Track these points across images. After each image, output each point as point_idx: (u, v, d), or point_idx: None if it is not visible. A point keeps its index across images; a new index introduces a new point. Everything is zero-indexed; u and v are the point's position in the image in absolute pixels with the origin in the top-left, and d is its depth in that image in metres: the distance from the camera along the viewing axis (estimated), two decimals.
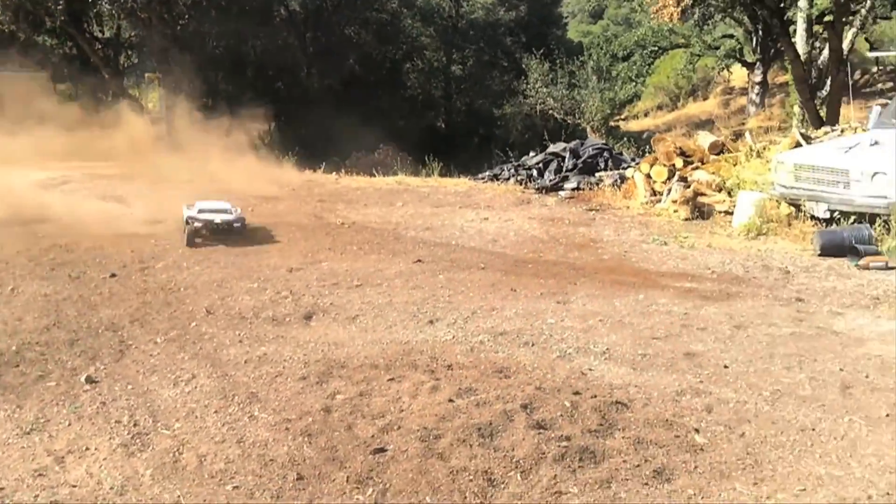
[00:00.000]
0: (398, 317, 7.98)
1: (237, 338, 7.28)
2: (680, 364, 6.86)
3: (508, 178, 15.80)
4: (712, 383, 6.46)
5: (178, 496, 4.78)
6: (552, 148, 16.35)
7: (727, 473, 5.13)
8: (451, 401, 6.01)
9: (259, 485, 4.95)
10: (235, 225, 10.77)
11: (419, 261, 10.16)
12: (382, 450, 5.35)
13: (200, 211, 10.80)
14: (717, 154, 14.15)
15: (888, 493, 4.79)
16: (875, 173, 10.38)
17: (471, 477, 5.04)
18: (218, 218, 10.66)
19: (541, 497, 4.88)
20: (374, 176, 16.51)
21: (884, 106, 12.41)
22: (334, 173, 16.57)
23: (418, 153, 19.13)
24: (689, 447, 5.46)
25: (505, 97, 32.25)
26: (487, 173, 16.67)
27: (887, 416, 5.82)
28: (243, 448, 5.35)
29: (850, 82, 25.83)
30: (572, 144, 16.13)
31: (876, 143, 11.15)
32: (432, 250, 10.76)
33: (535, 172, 15.72)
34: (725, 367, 6.80)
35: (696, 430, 5.68)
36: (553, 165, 15.68)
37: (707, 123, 28.60)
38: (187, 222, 10.64)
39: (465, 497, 4.87)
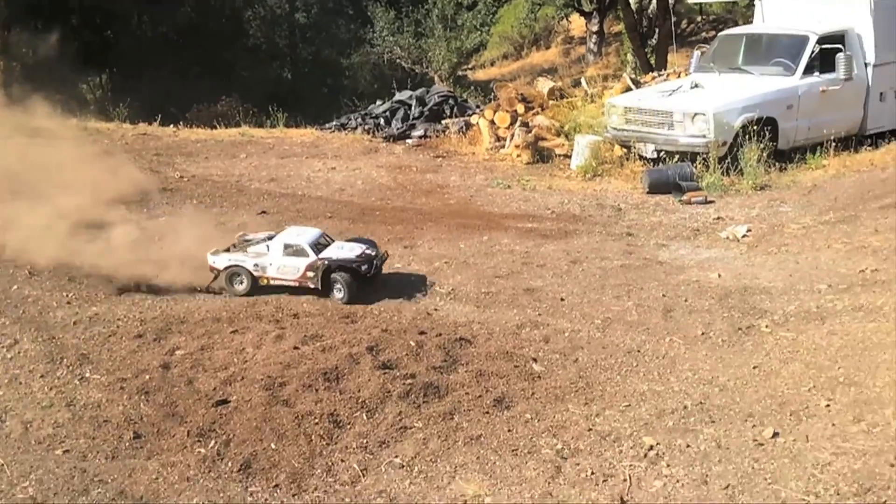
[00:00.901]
0: None
1: (64, 299, 6.85)
2: (520, 299, 7.16)
3: (356, 128, 15.60)
4: (550, 315, 6.79)
5: (2, 464, 4.50)
6: (399, 96, 16.27)
7: (561, 396, 5.46)
8: (296, 348, 5.98)
9: (92, 447, 4.75)
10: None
11: (263, 212, 9.92)
12: (225, 401, 5.27)
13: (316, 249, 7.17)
14: (556, 100, 14.63)
15: (701, 402, 5.25)
16: (695, 114, 11.11)
17: (316, 420, 5.07)
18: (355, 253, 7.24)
19: (386, 433, 4.99)
20: (216, 128, 15.82)
21: (703, 51, 13.23)
22: (172, 126, 15.72)
23: (264, 105, 18.44)
24: (527, 376, 5.75)
25: (352, 46, 31.62)
26: (334, 123, 16.39)
27: (702, 334, 6.35)
28: (74, 411, 5.10)
29: (677, 31, 27.35)
30: (418, 92, 16.13)
31: (696, 86, 11.91)
32: (277, 201, 10.52)
33: (382, 121, 15.62)
34: (562, 299, 7.16)
35: (535, 360, 5.98)
36: (400, 114, 15.63)
37: (550, 72, 29.38)
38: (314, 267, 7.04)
39: (311, 440, 4.90)
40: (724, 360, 5.89)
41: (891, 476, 4.19)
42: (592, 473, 4.52)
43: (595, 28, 28.32)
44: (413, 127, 14.97)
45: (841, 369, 5.47)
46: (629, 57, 22.96)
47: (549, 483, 4.47)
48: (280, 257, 7.15)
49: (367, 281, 7.13)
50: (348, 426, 5.06)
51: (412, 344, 6.07)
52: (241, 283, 7.19)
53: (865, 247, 7.82)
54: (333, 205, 10.49)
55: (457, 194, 11.23)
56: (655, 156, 11.61)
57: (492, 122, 13.97)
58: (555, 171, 12.49)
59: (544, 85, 14.96)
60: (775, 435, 4.75)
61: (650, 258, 8.35)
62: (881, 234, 8.00)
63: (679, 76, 14.17)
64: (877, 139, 11.69)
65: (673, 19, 26.05)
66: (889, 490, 4.07)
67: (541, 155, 12.99)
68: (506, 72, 34.39)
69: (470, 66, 33.03)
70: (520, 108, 14.13)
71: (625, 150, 12.11)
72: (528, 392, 5.52)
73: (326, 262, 7.02)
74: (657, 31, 21.61)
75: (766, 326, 6.42)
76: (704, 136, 11.01)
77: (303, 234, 7.40)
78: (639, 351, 6.10)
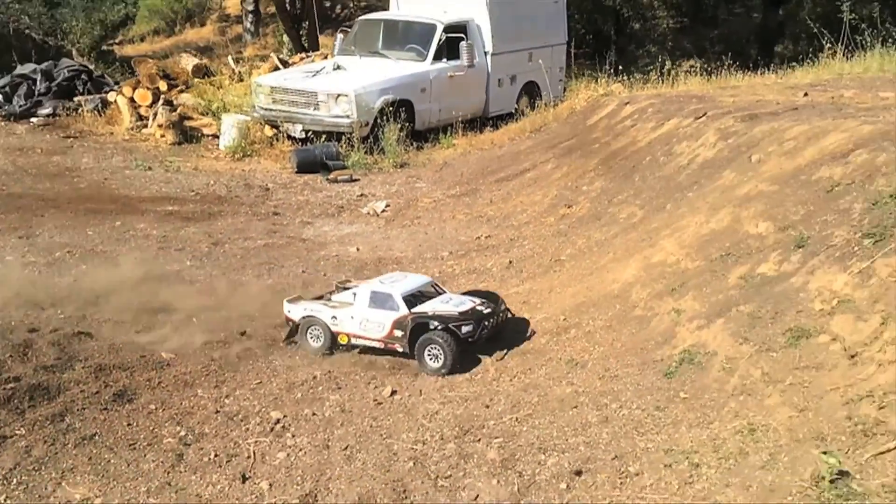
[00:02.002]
0: None
1: None
2: (152, 285, 6.74)
3: None
4: (184, 298, 6.49)
5: None
6: (20, 69, 14.36)
7: (191, 382, 5.27)
8: None
9: None
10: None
11: None
12: None
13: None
14: (202, 78, 14.07)
15: (329, 371, 5.42)
16: (339, 95, 11.43)
17: None
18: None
19: None
20: None
21: (345, 34, 13.65)
22: None
23: None
24: (154, 365, 5.45)
25: None
26: None
27: None
28: None
29: (332, 14, 27.89)
30: (44, 66, 14.37)
31: (339, 67, 12.26)
32: None
33: (1, 98, 13.69)
34: (198, 282, 6.92)
35: (163, 348, 5.69)
36: (23, 89, 13.80)
37: (207, 50, 28.20)
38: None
39: None
40: None
41: (485, 416, 4.70)
42: (216, 455, 4.43)
43: (251, 7, 27.75)
44: (39, 104, 13.36)
45: None
46: (286, 38, 22.89)
47: (168, 473, 4.28)
48: (364, 309, 5.67)
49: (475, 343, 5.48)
50: None
51: (19, 343, 5.42)
52: (318, 339, 5.80)
53: (482, 216, 8.72)
54: None
55: (89, 177, 10.27)
56: (304, 136, 11.74)
57: (132, 99, 13.01)
58: (202, 151, 12.03)
59: (188, 62, 14.28)
60: (393, 393, 5.08)
61: (294, 236, 8.43)
62: (495, 205, 8.98)
63: (327, 58, 14.46)
64: (497, 121, 13.07)
65: (328, 4, 26.51)
66: (484, 429, 4.56)
67: (187, 135, 12.42)
68: (157, 48, 32.24)
69: (117, 40, 30.44)
70: (162, 85, 13.35)
71: (274, 129, 12.06)
72: (154, 382, 5.24)
73: (418, 318, 5.46)
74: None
75: None
76: (348, 117, 11.37)
77: (400, 281, 5.83)
78: (273, 328, 6.12)
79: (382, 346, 5.61)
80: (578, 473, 4.03)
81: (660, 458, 3.99)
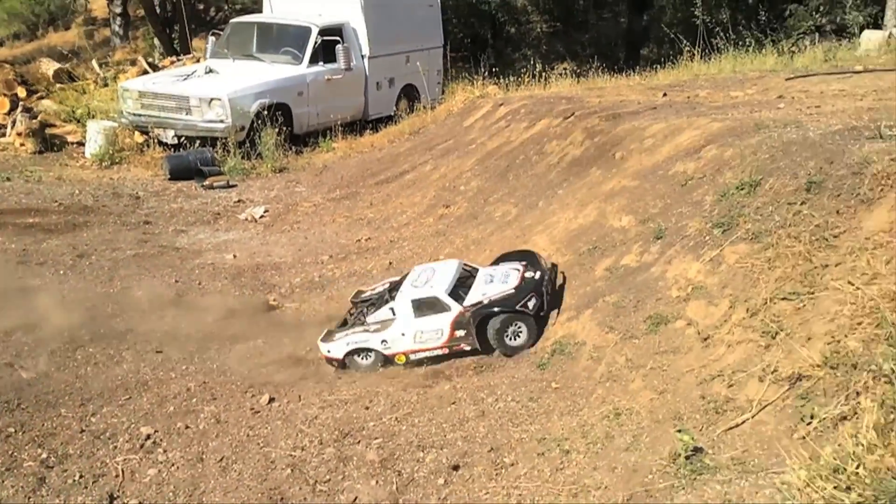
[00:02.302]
0: None
1: None
2: (15, 301, 6.37)
3: None
4: (47, 313, 6.16)
5: None
6: None
7: (54, 402, 4.99)
8: None
9: None
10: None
11: None
12: None
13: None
14: (65, 83, 13.36)
15: (204, 382, 5.27)
16: (212, 99, 11.12)
17: None
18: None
19: None
20: None
21: (218, 37, 13.29)
22: None
23: None
24: (13, 386, 5.13)
25: None
26: None
27: (213, 321, 6.32)
28: None
29: (206, 17, 27.09)
30: None
31: (211, 71, 11.93)
32: None
33: None
34: (63, 297, 6.58)
35: (23, 368, 5.37)
36: None
37: (73, 55, 26.81)
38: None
39: None
40: (234, 335, 6.01)
41: (365, 418, 4.70)
42: (81, 476, 4.23)
43: (118, 10, 26.51)
44: None
45: (335, 323, 5.99)
46: (156, 41, 22.05)
47: (29, 498, 4.05)
48: (412, 321, 5.19)
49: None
50: None
51: None
52: (368, 357, 5.34)
53: (362, 219, 8.71)
54: None
55: None
56: (176, 141, 11.34)
57: None
58: (66, 160, 11.40)
59: (49, 67, 13.53)
60: (272, 400, 5.00)
61: (167, 245, 8.14)
62: (375, 207, 8.98)
63: (199, 62, 14.03)
64: (377, 124, 13.07)
65: (200, 6, 25.71)
66: (364, 431, 4.56)
67: (49, 143, 11.73)
68: (18, 53, 30.41)
69: None
70: (21, 91, 12.58)
71: (144, 136, 11.59)
72: (13, 404, 4.93)
73: (479, 311, 5.08)
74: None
75: (274, 300, 6.74)
76: (222, 121, 11.08)
77: (433, 277, 5.35)
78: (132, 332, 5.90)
79: (447, 351, 5.21)
80: (456, 468, 4.10)
81: (533, 447, 4.12)
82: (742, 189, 4.84)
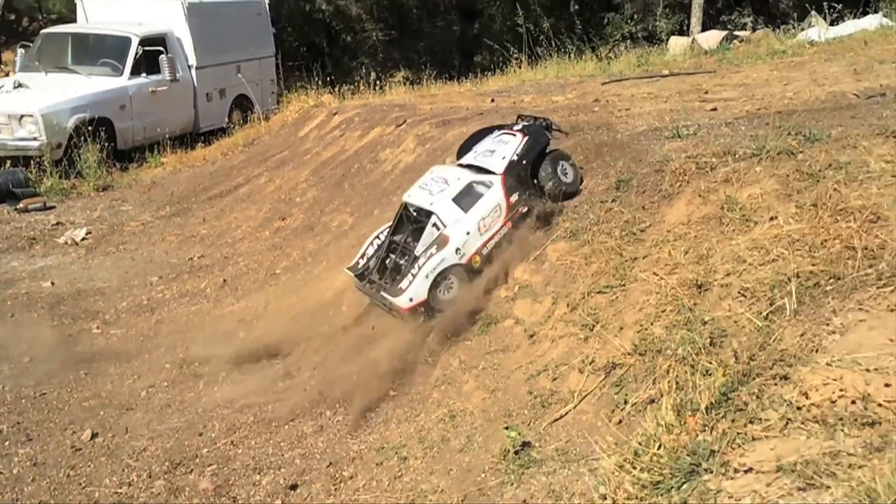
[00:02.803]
0: None
1: None
2: None
3: None
4: None
5: None
6: None
7: None
8: None
9: None
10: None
11: None
12: None
13: None
14: None
15: (18, 423, 4.87)
16: (22, 116, 10.30)
17: None
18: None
19: None
20: None
21: (27, 49, 12.34)
22: None
23: None
24: None
25: None
26: None
27: (29, 360, 5.86)
28: None
29: (18, 28, 25.18)
30: None
31: (21, 85, 11.06)
32: None
33: None
34: None
35: None
36: None
37: None
38: None
39: None
40: (51, 370, 5.58)
41: (199, 445, 4.51)
42: None
43: None
44: None
45: (164, 348, 5.72)
46: None
47: None
48: (465, 217, 4.80)
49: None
50: None
51: None
52: (450, 289, 4.74)
53: (195, 236, 8.37)
54: None
55: None
56: None
57: None
58: None
59: None
60: (94, 436, 4.68)
61: None
62: (208, 223, 8.66)
63: (8, 75, 12.98)
64: (209, 136, 12.62)
65: (12, 17, 23.80)
66: (197, 458, 4.38)
67: None
68: None
69: None
70: None
71: None
72: None
73: (520, 155, 5.01)
74: None
75: (97, 327, 6.33)
76: (36, 139, 10.30)
77: (439, 182, 5.05)
78: None
79: (510, 225, 4.89)
80: (294, 487, 4.02)
81: (372, 457, 4.12)
82: None
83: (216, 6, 13.28)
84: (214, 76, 12.78)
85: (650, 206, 4.43)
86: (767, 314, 3.03)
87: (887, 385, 2.23)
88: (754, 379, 2.60)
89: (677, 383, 2.89)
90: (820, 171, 3.79)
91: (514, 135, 5.21)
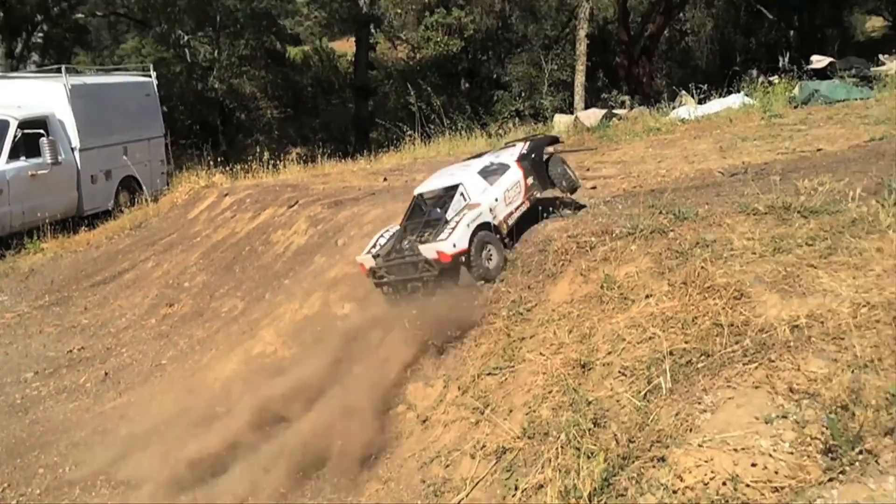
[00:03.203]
0: None
1: None
2: None
3: None
4: None
5: None
6: None
7: None
8: None
9: None
10: None
11: None
12: None
13: None
14: None
15: None
16: None
17: None
18: None
19: None
20: None
21: None
22: None
23: None
24: None
25: None
26: None
27: None
28: None
29: None
30: None
31: None
32: None
33: None
34: None
35: None
36: None
37: None
38: None
39: None
40: None
41: None
42: None
43: None
44: None
45: (38, 451, 5.35)
46: None
47: None
48: (491, 188, 5.11)
49: None
50: None
51: None
52: (492, 257, 4.86)
53: (76, 326, 7.95)
54: None
55: None
56: None
57: None
58: None
59: None
60: None
61: None
62: (90, 312, 8.26)
63: None
64: (94, 219, 12.14)
65: None
66: None
67: None
68: None
69: None
70: None
71: None
72: None
73: (528, 150, 5.50)
74: None
75: None
76: None
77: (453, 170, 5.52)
78: None
79: (528, 204, 5.28)
80: None
81: None
82: None
83: (101, 87, 13.02)
84: (100, 158, 12.39)
85: (535, 285, 4.53)
86: (645, 393, 3.12)
87: (753, 465, 2.32)
88: (633, 462, 2.65)
89: (563, 469, 2.91)
90: (689, 248, 3.99)
91: (515, 144, 5.83)
